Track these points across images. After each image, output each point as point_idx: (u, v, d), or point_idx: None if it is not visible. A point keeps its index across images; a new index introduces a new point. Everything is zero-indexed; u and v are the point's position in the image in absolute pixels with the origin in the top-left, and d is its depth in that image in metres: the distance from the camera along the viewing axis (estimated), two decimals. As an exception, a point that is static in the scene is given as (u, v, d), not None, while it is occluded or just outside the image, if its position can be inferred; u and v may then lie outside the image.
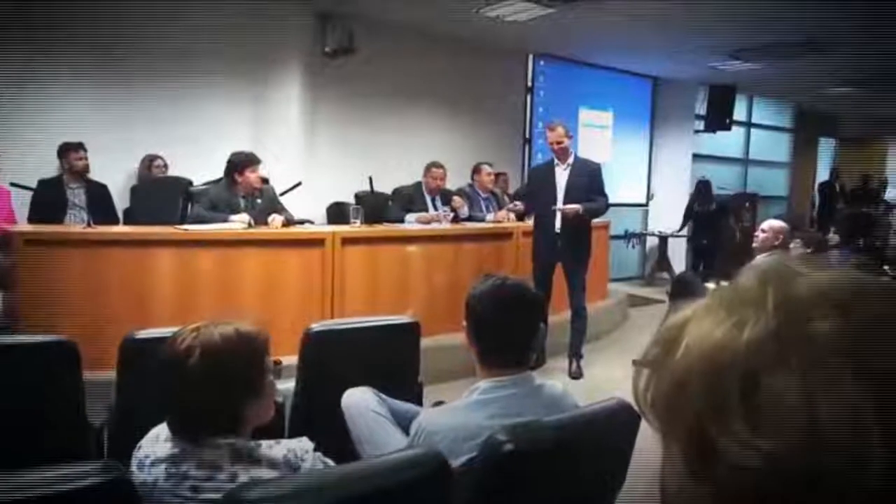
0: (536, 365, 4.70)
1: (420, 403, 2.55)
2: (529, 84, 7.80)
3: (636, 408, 0.54)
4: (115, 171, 5.17)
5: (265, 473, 1.26)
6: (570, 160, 4.64)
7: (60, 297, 3.34)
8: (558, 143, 4.57)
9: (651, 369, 0.52)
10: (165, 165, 5.33)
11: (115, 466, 1.15)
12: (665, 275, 8.62)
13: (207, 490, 1.24)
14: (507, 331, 1.68)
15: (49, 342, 1.99)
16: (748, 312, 0.45)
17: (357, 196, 5.50)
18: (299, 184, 4.78)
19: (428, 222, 4.97)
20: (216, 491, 1.22)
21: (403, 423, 1.97)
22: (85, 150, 4.75)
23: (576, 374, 4.63)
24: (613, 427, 1.68)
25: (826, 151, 12.79)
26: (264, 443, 1.32)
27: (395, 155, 6.14)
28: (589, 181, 4.59)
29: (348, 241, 4.26)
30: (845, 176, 11.79)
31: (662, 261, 8.84)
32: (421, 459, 1.36)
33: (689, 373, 0.45)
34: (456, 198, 5.18)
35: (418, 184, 5.29)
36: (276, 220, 4.24)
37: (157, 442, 1.31)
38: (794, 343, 0.43)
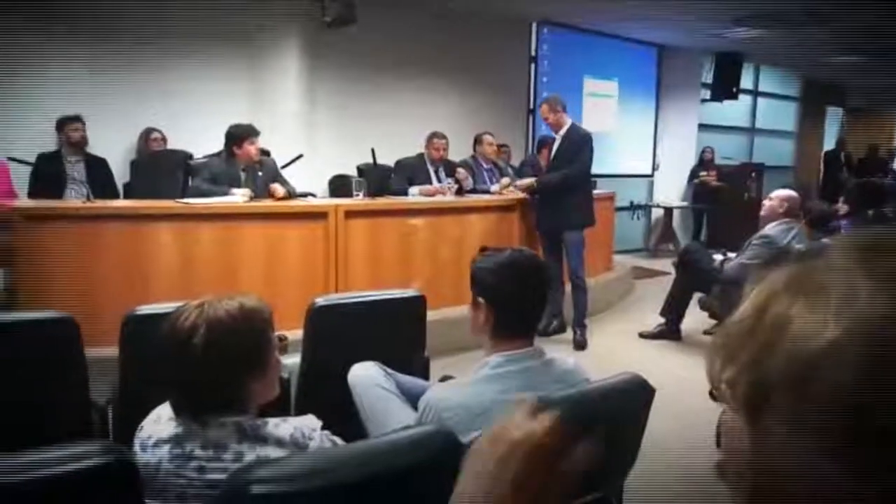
0: (555, 332, 4.71)
1: (427, 377, 2.51)
2: (533, 53, 7.66)
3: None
4: (114, 146, 5.11)
5: (272, 452, 1.23)
6: (563, 130, 4.65)
7: (60, 273, 3.30)
8: (544, 119, 4.76)
9: (732, 351, 0.45)
10: (164, 139, 5.26)
11: (117, 448, 1.11)
12: (670, 246, 8.56)
13: (213, 470, 1.20)
14: (524, 302, 1.65)
15: (49, 318, 1.94)
16: None
17: (359, 168, 5.43)
18: (301, 156, 4.71)
19: (432, 195, 4.91)
20: (222, 471, 1.18)
21: (411, 397, 1.93)
22: (83, 123, 4.69)
23: (579, 344, 4.60)
24: (626, 402, 1.64)
25: (833, 121, 12.64)
26: (271, 421, 1.28)
27: (396, 126, 6.05)
28: (572, 150, 4.62)
29: (351, 214, 4.20)
30: (851, 146, 11.66)
31: (667, 232, 8.78)
32: (432, 437, 1.32)
33: (842, 348, 0.38)
34: (460, 170, 5.10)
35: (420, 155, 5.22)
36: (277, 190, 4.18)
37: (159, 422, 1.28)
38: None
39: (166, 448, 1.23)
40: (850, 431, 0.38)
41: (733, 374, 0.45)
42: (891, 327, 0.38)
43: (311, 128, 5.93)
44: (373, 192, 4.67)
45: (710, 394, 0.48)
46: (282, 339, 1.37)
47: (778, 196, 4.45)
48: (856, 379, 0.37)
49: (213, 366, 1.21)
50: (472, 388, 1.58)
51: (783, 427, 0.41)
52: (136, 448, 1.27)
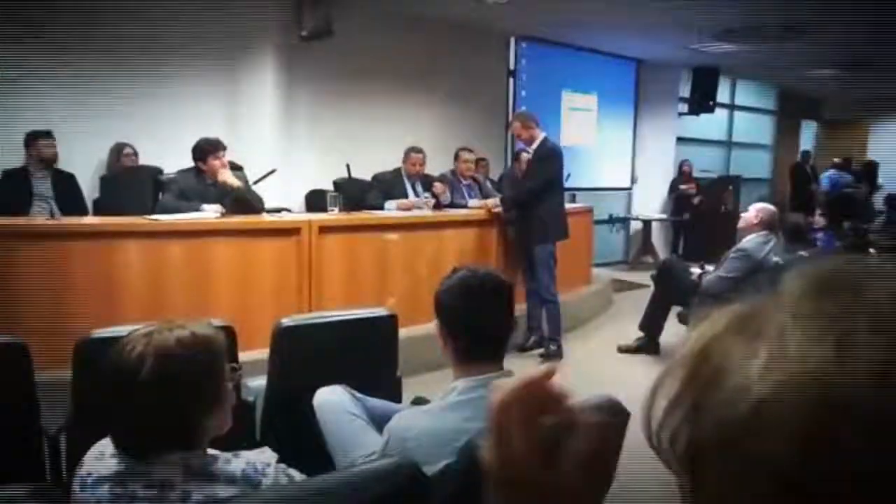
0: (533, 347, 4.68)
1: (399, 398, 2.45)
2: (512, 67, 7.66)
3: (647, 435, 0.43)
4: (84, 162, 4.99)
5: (221, 491, 1.15)
6: (535, 145, 4.65)
7: (23, 294, 3.20)
8: (517, 136, 4.83)
9: (672, 402, 0.40)
10: (136, 154, 5.15)
11: (48, 489, 1.03)
12: (649, 259, 8.57)
13: (157, 511, 1.12)
14: (480, 323, 1.58)
15: (-2, 343, 1.85)
16: (847, 330, 0.34)
17: (335, 183, 5.36)
18: (273, 171, 4.62)
19: (409, 209, 4.85)
20: (167, 512, 1.11)
21: (380, 422, 1.86)
22: (53, 138, 4.58)
23: (546, 356, 4.59)
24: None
25: (808, 133, 12.80)
26: (221, 456, 1.20)
27: (374, 141, 5.99)
28: (539, 164, 4.66)
29: (326, 229, 4.13)
30: (821, 159, 11.79)
31: (646, 245, 8.80)
32: (392, 470, 1.26)
33: (772, 407, 0.34)
34: (437, 184, 5.06)
35: (398, 170, 5.17)
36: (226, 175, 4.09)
37: (102, 458, 1.19)
38: None
39: (107, 487, 1.15)
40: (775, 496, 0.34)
41: (676, 424, 0.40)
42: (821, 386, 0.33)
43: (287, 142, 5.86)
44: (349, 207, 4.60)
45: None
46: (235, 368, 1.29)
47: (755, 209, 4.45)
48: (780, 446, 0.34)
49: (161, 401, 1.13)
50: (437, 416, 1.52)
51: (714, 489, 0.38)
52: (76, 487, 1.19)
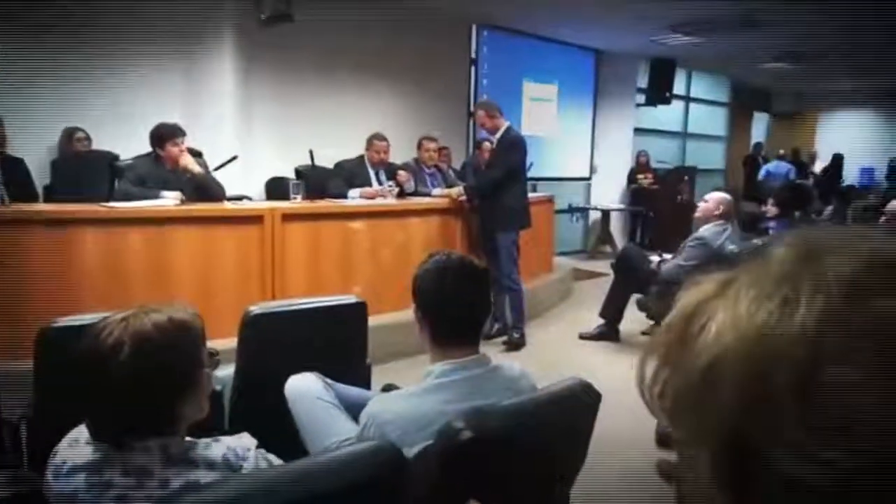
0: (497, 335, 4.70)
1: (369, 385, 2.45)
2: (473, 55, 7.66)
3: (645, 401, 0.45)
4: (32, 146, 4.80)
5: (202, 476, 1.14)
6: (499, 134, 4.68)
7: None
8: (481, 125, 4.83)
9: (662, 359, 0.43)
10: (88, 139, 5.00)
11: (26, 477, 1.00)
12: (608, 248, 8.71)
13: (136, 499, 1.10)
14: (456, 306, 1.60)
15: (-46, 333, 1.78)
16: (797, 290, 0.36)
17: (297, 171, 5.29)
18: (235, 157, 4.54)
19: (372, 197, 4.83)
20: (145, 500, 1.09)
21: (353, 409, 1.86)
22: (1, 122, 4.40)
23: (514, 344, 4.64)
24: (573, 408, 1.61)
25: (760, 125, 13.16)
26: (200, 442, 1.19)
27: (336, 127, 5.93)
28: (502, 153, 4.70)
29: (289, 217, 4.08)
30: (772, 150, 12.17)
31: (605, 234, 8.94)
32: (374, 453, 1.26)
33: (721, 363, 0.36)
34: (401, 172, 5.03)
35: (361, 157, 5.12)
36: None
37: (75, 446, 1.16)
38: (863, 326, 0.34)
39: (83, 476, 1.12)
40: (727, 458, 0.36)
41: (662, 380, 0.43)
42: (765, 341, 0.35)
43: (247, 129, 5.75)
44: (311, 195, 4.55)
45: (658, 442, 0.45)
46: (213, 354, 1.27)
47: (713, 199, 4.56)
48: (728, 399, 0.36)
49: (139, 388, 1.11)
50: (415, 399, 1.53)
51: (684, 446, 0.40)
52: (49, 476, 1.16)
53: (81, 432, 1.18)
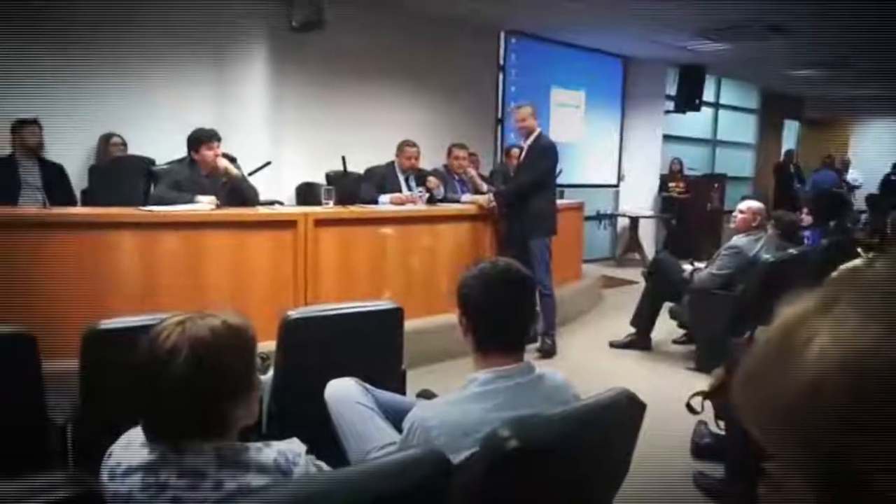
0: (528, 342, 4.67)
1: (404, 391, 2.45)
2: (501, 62, 7.67)
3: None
4: (71, 151, 4.90)
5: (254, 480, 1.14)
6: (531, 140, 4.66)
7: (15, 284, 3.14)
8: (522, 121, 4.71)
9: (757, 370, 0.43)
10: (124, 144, 5.08)
11: (83, 478, 1.01)
12: (636, 255, 8.63)
13: (190, 500, 1.11)
14: (501, 314, 1.59)
15: (4, 334, 1.82)
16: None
17: (328, 176, 5.33)
18: (269, 163, 4.59)
19: (402, 203, 4.84)
20: (200, 501, 1.09)
21: (390, 414, 1.86)
22: (39, 127, 4.52)
23: (546, 352, 4.59)
24: (619, 419, 1.60)
25: (791, 133, 12.97)
26: (252, 445, 1.19)
27: (366, 133, 5.96)
28: (533, 159, 4.67)
29: (321, 222, 4.10)
30: (803, 157, 11.96)
31: (633, 242, 8.86)
32: (421, 461, 1.25)
33: (824, 384, 0.36)
34: (431, 178, 5.04)
35: (391, 163, 5.15)
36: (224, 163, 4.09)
37: (129, 448, 1.18)
38: None
39: (138, 476, 1.13)
40: (826, 476, 0.36)
41: (755, 390, 0.43)
42: (867, 360, 0.35)
43: (278, 134, 5.81)
44: (342, 201, 4.57)
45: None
46: (264, 358, 1.28)
47: (750, 209, 4.49)
48: (830, 420, 0.36)
49: (196, 391, 1.12)
50: (460, 406, 1.52)
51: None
52: (104, 477, 1.17)
53: (136, 434, 1.19)
